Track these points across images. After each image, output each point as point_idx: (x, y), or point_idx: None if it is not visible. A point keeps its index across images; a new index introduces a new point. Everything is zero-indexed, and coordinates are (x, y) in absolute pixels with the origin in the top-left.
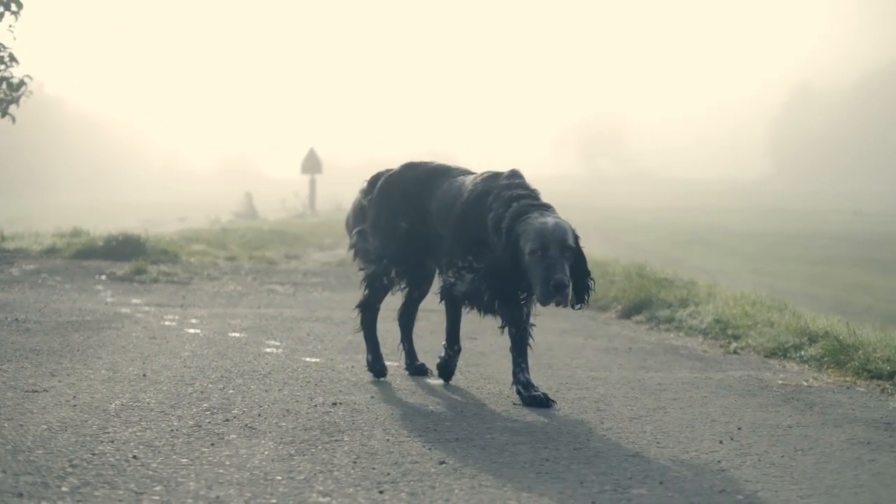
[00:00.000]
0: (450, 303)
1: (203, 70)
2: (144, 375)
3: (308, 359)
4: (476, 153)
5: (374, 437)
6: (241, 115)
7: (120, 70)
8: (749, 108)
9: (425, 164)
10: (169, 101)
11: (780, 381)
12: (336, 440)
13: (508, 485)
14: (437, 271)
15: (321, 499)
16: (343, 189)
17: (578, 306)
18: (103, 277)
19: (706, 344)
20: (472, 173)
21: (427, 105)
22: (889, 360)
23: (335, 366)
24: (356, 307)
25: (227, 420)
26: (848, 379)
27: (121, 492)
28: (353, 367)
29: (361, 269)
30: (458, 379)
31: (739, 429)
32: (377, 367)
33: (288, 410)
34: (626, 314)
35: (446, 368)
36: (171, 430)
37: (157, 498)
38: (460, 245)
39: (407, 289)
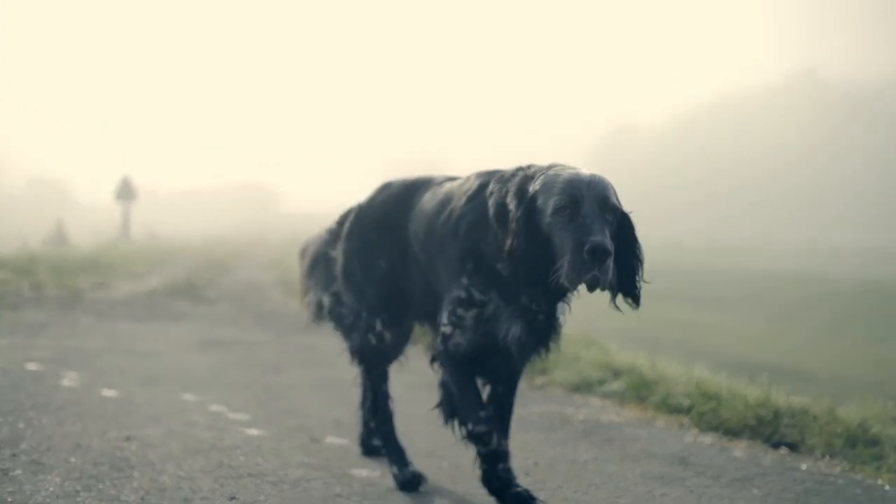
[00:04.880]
0: (452, 367)
1: (11, 85)
2: None
3: (106, 391)
4: (294, 183)
5: (165, 473)
6: (54, 137)
7: None
8: (567, 144)
9: (402, 179)
10: None
11: (581, 417)
12: (125, 476)
13: None
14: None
15: None
16: (158, 217)
17: (630, 303)
18: None
19: None
20: (456, 179)
21: (246, 134)
22: (689, 395)
23: (133, 399)
24: (363, 407)
25: (14, 455)
26: (648, 414)
27: None
28: (151, 400)
29: (347, 346)
30: (256, 414)
31: (536, 464)
32: (407, 477)
33: (79, 445)
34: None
35: (501, 483)
36: None
37: None
38: (455, 266)
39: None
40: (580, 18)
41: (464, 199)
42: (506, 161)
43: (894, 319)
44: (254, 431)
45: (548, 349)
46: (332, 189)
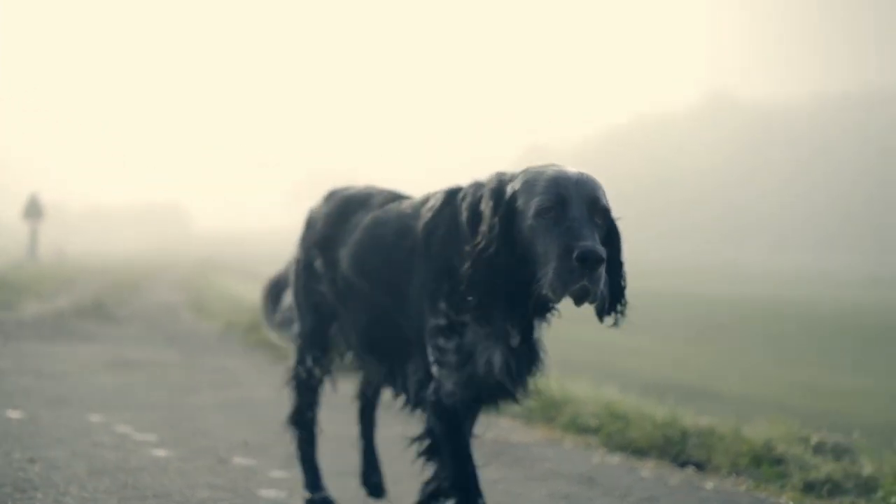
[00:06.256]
0: (446, 430)
1: None
2: None
3: (10, 413)
4: (207, 200)
5: (68, 494)
6: None
7: None
8: (482, 164)
9: (343, 190)
10: None
11: (489, 437)
12: (28, 497)
13: None
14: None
15: None
16: (67, 236)
17: (610, 321)
18: None
19: None
20: (405, 198)
21: (157, 150)
22: (597, 416)
23: (38, 420)
24: (286, 422)
25: None
26: (556, 434)
27: None
28: (56, 421)
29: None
30: (163, 434)
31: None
32: (316, 502)
33: None
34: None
35: None
36: None
37: None
38: (428, 290)
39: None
40: (496, 42)
41: (430, 213)
42: (420, 181)
43: (808, 341)
44: (160, 452)
45: (532, 378)
46: (247, 205)
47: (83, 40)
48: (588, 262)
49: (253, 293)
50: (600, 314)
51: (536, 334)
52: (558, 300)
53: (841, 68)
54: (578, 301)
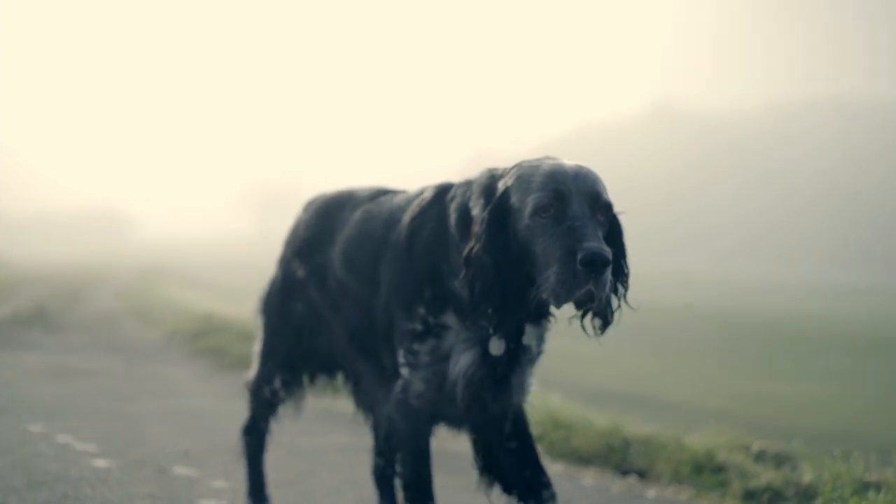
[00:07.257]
0: (409, 433)
1: None
2: None
3: None
4: (151, 207)
5: None
6: None
7: None
8: (429, 172)
9: (322, 195)
10: None
11: (433, 447)
12: None
13: None
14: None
15: None
16: (8, 242)
17: (600, 330)
18: None
19: None
20: (397, 192)
21: (103, 154)
22: (540, 424)
23: None
24: (240, 433)
25: None
26: None
27: None
28: (1, 431)
29: None
30: (104, 444)
31: None
32: None
33: None
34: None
35: None
36: None
37: None
38: (407, 292)
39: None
40: (444, 50)
41: (417, 209)
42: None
43: (753, 350)
44: (101, 462)
45: (509, 395)
46: (191, 211)
47: (19, 44)
48: (594, 265)
49: (197, 301)
50: (605, 319)
51: (526, 341)
52: (560, 306)
53: (789, 79)
54: (581, 306)
